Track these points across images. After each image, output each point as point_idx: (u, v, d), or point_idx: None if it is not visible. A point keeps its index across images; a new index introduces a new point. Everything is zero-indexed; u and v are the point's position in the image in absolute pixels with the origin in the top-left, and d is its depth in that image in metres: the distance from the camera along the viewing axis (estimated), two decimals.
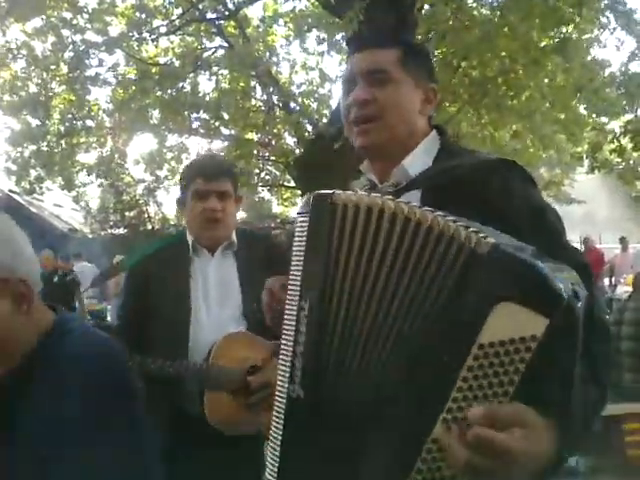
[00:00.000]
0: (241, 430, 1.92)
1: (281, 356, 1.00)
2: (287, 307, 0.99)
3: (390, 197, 0.93)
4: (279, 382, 0.98)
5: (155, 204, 14.91)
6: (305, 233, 0.96)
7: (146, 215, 14.88)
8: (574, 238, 13.08)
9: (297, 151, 7.55)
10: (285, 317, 1.00)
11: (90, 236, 15.10)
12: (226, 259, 2.11)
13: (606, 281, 11.26)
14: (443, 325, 0.85)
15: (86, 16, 7.80)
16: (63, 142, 8.79)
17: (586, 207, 13.52)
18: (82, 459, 1.05)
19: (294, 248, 0.99)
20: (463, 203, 0.99)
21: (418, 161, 1.21)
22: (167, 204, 15.03)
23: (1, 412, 1.12)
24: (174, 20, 8.08)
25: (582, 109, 7.46)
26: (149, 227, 14.53)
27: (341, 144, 5.11)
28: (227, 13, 7.89)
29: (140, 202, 14.60)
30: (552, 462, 0.84)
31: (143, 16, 7.82)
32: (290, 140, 8.25)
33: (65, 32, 7.63)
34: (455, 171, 1.13)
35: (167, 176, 12.02)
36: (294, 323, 0.97)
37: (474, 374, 0.80)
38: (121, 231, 14.74)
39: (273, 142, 7.65)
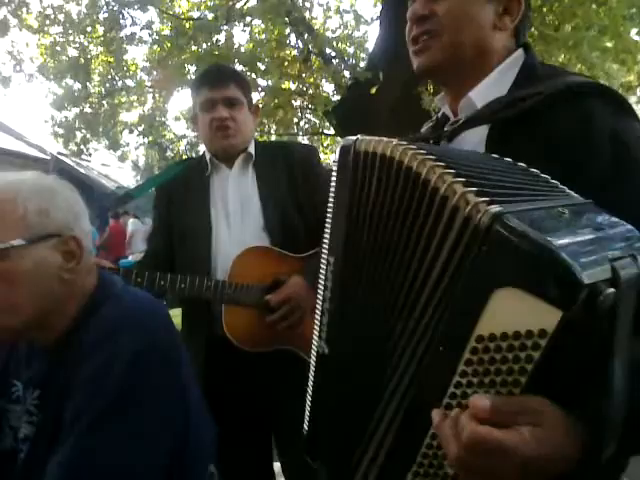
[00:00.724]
0: (265, 348, 1.88)
1: (316, 312, 0.98)
2: (321, 260, 0.97)
3: (419, 142, 0.87)
4: (314, 338, 0.99)
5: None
6: (334, 185, 0.93)
7: None
8: None
9: (335, 98, 7.45)
10: (320, 271, 0.97)
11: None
12: (245, 172, 2.03)
13: None
14: (443, 307, 0.75)
15: None
16: (105, 103, 8.92)
17: None
18: (125, 427, 1.08)
19: (330, 200, 0.95)
20: (534, 141, 0.88)
21: (490, 89, 1.03)
22: None
23: (51, 380, 1.17)
24: None
25: (634, 35, 7.06)
26: None
27: (378, 88, 5.01)
28: None
29: (184, 157, 14.78)
30: (587, 468, 0.69)
31: None
32: (328, 87, 8.15)
33: None
34: (526, 101, 0.94)
35: None
36: (323, 278, 0.96)
37: (474, 369, 0.70)
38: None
39: (310, 90, 7.55)
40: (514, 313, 0.66)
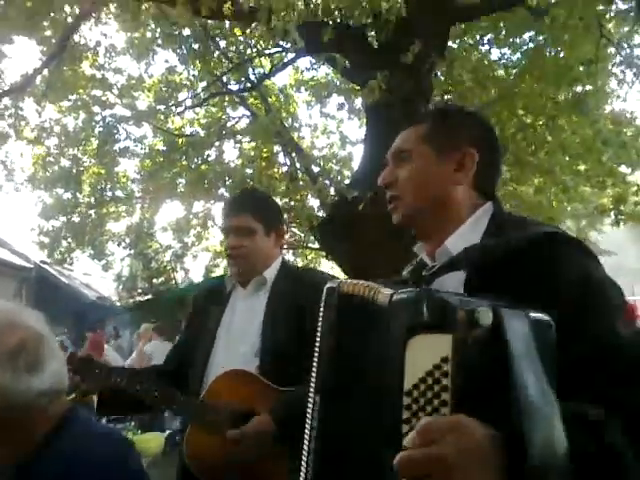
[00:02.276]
0: (215, 478, 1.81)
1: (303, 450, 1.00)
2: (309, 398, 1.01)
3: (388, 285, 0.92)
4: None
5: (182, 270, 15.07)
6: (319, 325, 1.02)
7: (173, 281, 15.01)
8: None
9: (320, 213, 7.65)
10: (307, 410, 1.01)
11: (118, 304, 15.25)
12: (257, 294, 2.05)
13: None
14: (381, 388, 0.82)
15: (116, 92, 8.19)
16: (93, 212, 9.05)
17: (616, 258, 13.26)
18: None
19: (316, 340, 1.03)
20: (510, 282, 0.94)
21: (464, 239, 1.11)
22: (194, 270, 15.19)
23: None
24: (199, 93, 8.41)
25: (605, 160, 7.46)
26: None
27: (363, 206, 5.14)
28: (250, 85, 8.19)
29: (168, 269, 14.78)
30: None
31: (169, 90, 8.21)
32: (313, 202, 8.40)
33: (96, 108, 7.99)
34: (498, 249, 1.02)
35: (194, 242, 12.21)
36: (310, 417, 0.99)
37: (410, 425, 0.75)
38: (149, 298, 14.87)
39: (296, 205, 7.75)
40: (422, 356, 0.75)
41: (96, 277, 16.79)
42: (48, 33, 6.25)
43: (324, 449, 0.95)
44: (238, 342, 1.97)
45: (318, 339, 1.03)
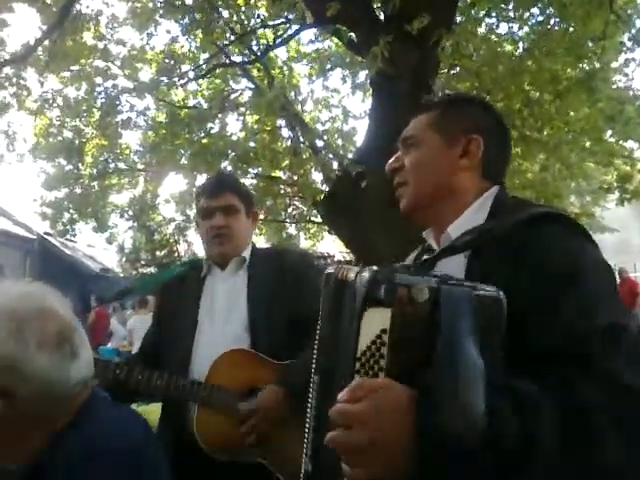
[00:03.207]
0: (232, 457, 1.82)
1: (304, 429, 1.04)
2: (311, 377, 1.06)
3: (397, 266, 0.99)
4: (304, 455, 1.03)
5: (185, 242, 15.12)
6: (320, 307, 1.07)
7: (176, 254, 15.07)
8: None
9: (323, 187, 7.62)
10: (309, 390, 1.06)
11: (122, 275, 15.33)
12: (237, 275, 2.08)
13: None
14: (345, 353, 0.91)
15: (118, 63, 8.10)
16: (96, 184, 9.02)
17: (619, 235, 13.23)
18: None
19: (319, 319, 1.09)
20: (501, 265, 0.97)
21: (465, 224, 1.12)
22: (197, 242, 15.23)
23: None
24: (201, 65, 8.31)
25: (610, 137, 7.40)
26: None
27: (367, 182, 5.12)
28: (253, 57, 8.08)
29: (171, 241, 14.83)
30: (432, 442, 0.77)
31: (172, 62, 8.11)
32: (316, 176, 8.37)
33: (98, 80, 7.91)
34: (492, 232, 1.05)
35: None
36: (311, 397, 1.04)
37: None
38: (152, 270, 14.95)
39: (300, 180, 7.73)
40: (370, 327, 0.86)
41: (99, 249, 16.85)
42: (49, 1, 6.17)
43: (321, 426, 0.97)
44: (224, 322, 1.99)
45: (319, 320, 1.08)
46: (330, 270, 1.07)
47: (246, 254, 2.10)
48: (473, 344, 0.81)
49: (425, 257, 1.14)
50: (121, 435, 1.15)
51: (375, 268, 0.91)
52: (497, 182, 1.21)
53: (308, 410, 1.03)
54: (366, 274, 0.91)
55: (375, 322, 0.85)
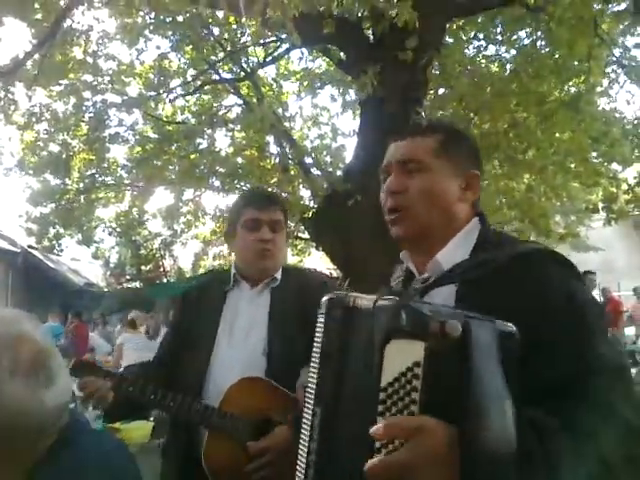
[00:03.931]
0: None
1: (298, 461, 1.01)
2: (305, 408, 1.02)
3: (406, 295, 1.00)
4: None
5: (171, 257, 15.03)
6: (320, 336, 1.04)
7: (162, 269, 14.98)
8: None
9: (311, 203, 7.64)
10: (303, 419, 1.02)
11: (106, 290, 15.19)
12: (262, 294, 2.02)
13: (631, 330, 11.07)
14: (362, 384, 0.91)
15: (107, 78, 8.09)
16: (82, 198, 8.96)
17: (604, 255, 13.39)
18: None
19: (314, 346, 1.05)
20: (499, 297, 0.98)
21: (454, 254, 1.16)
22: (183, 257, 15.14)
23: None
24: (190, 81, 8.33)
25: (595, 159, 7.50)
26: (164, 280, 14.60)
27: (355, 200, 5.14)
28: (243, 74, 8.12)
29: (157, 256, 14.73)
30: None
31: (161, 78, 8.12)
32: (305, 193, 8.38)
33: (86, 94, 7.89)
34: (489, 265, 1.07)
35: (183, 230, 12.15)
36: (309, 429, 1.00)
37: (384, 419, 0.85)
38: (137, 284, 14.83)
39: (288, 197, 7.74)
40: (398, 358, 0.86)
41: (84, 263, 16.69)
42: (39, 16, 6.15)
43: (322, 461, 0.97)
44: (243, 342, 1.93)
45: (316, 349, 1.04)
46: (332, 296, 1.05)
47: (278, 274, 2.05)
48: (501, 378, 0.84)
49: (419, 284, 1.16)
50: (105, 455, 1.15)
51: (393, 297, 0.92)
52: (476, 212, 1.25)
53: (303, 443, 1.00)
54: (386, 303, 0.91)
55: (404, 354, 0.85)
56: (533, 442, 0.85)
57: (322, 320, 1.05)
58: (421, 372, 0.83)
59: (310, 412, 1.01)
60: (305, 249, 12.89)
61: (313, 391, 1.02)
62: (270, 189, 8.51)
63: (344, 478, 0.92)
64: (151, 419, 7.12)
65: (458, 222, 1.21)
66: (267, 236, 1.98)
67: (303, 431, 1.02)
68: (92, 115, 7.81)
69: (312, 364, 1.05)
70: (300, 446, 1.01)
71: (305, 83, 8.87)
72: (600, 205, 8.00)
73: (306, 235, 9.56)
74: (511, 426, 0.81)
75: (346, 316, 1.00)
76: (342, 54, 5.87)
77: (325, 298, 1.06)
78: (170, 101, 8.50)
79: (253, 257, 2.00)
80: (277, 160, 8.00)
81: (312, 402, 1.01)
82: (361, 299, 0.99)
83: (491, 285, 1.02)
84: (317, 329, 1.06)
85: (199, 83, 8.30)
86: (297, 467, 1.01)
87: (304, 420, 1.02)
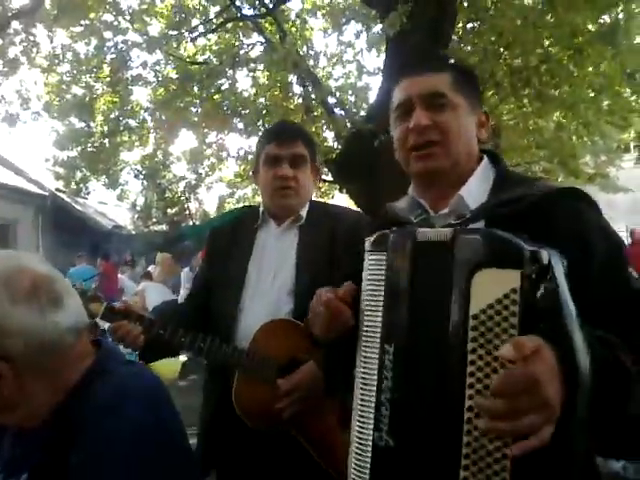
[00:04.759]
0: (267, 426, 1.82)
1: (360, 402, 1.00)
2: (364, 348, 1.01)
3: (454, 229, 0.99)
4: (359, 431, 0.99)
5: (196, 200, 15.14)
6: (383, 273, 1.01)
7: (187, 212, 15.11)
8: (620, 227, 12.71)
9: (335, 145, 7.55)
10: (362, 359, 1.01)
11: (134, 232, 15.42)
12: (290, 232, 1.99)
13: None
14: (447, 315, 0.94)
15: (127, 17, 7.95)
16: (107, 141, 8.99)
17: (632, 195, 13.11)
18: None
19: (367, 286, 1.03)
20: (533, 233, 0.98)
21: (475, 190, 1.19)
22: (208, 200, 15.24)
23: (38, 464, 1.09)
24: (212, 19, 8.15)
25: (629, 94, 7.22)
26: (190, 223, 14.76)
27: (379, 142, 5.06)
28: (265, 10, 7.90)
29: (182, 199, 14.84)
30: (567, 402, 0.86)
31: (182, 15, 7.95)
32: (328, 134, 8.27)
33: (107, 34, 7.79)
34: (521, 201, 1.09)
35: (207, 173, 12.18)
36: (375, 367, 0.98)
37: (478, 343, 0.89)
38: (163, 227, 15.03)
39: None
40: (490, 287, 0.90)
41: (111, 206, 16.91)
42: None
43: (401, 396, 0.96)
44: (271, 282, 1.93)
45: (374, 286, 1.02)
46: (388, 232, 1.04)
47: (303, 211, 2.00)
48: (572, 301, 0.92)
49: (453, 220, 1.15)
50: (141, 386, 1.18)
51: (470, 228, 1.00)
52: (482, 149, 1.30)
53: (367, 382, 0.99)
54: (469, 234, 0.96)
55: (498, 282, 0.89)
56: (606, 353, 0.93)
57: (378, 257, 1.03)
58: (518, 298, 0.87)
59: (376, 351, 0.99)
60: (329, 191, 12.84)
61: (376, 330, 1.00)
62: None
63: (432, 412, 0.93)
64: (180, 357, 7.35)
65: (474, 159, 1.24)
66: (287, 172, 1.91)
67: (363, 370, 1.00)
68: (114, 56, 7.73)
69: (368, 302, 1.03)
70: (362, 385, 1.00)
71: (330, 19, 8.61)
72: (632, 144, 7.75)
73: (330, 177, 9.53)
74: (583, 342, 0.89)
75: (418, 248, 1.00)
76: None
77: (379, 234, 1.05)
78: (192, 40, 8.35)
79: (273, 194, 1.95)
80: (300, 100, 7.88)
81: (377, 341, 0.99)
82: (424, 232, 1.01)
83: (523, 221, 1.03)
84: (370, 266, 1.03)
85: (221, 20, 8.10)
86: (360, 406, 0.99)
87: (364, 360, 1.01)
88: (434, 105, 1.19)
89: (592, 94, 6.83)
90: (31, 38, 6.81)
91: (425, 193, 1.26)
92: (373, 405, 0.97)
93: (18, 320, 1.06)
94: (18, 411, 1.11)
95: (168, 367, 6.26)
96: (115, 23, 7.77)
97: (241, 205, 12.80)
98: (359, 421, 0.99)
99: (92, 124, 8.74)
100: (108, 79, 8.12)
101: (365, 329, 1.02)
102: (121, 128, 9.03)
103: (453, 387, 0.90)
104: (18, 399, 1.09)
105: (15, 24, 6.60)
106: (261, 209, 2.05)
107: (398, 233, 1.03)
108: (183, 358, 7.31)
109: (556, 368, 0.85)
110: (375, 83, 19.51)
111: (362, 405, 0.99)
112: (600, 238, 1.07)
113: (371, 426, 0.97)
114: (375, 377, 0.98)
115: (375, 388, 0.98)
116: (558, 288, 0.90)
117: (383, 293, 1.01)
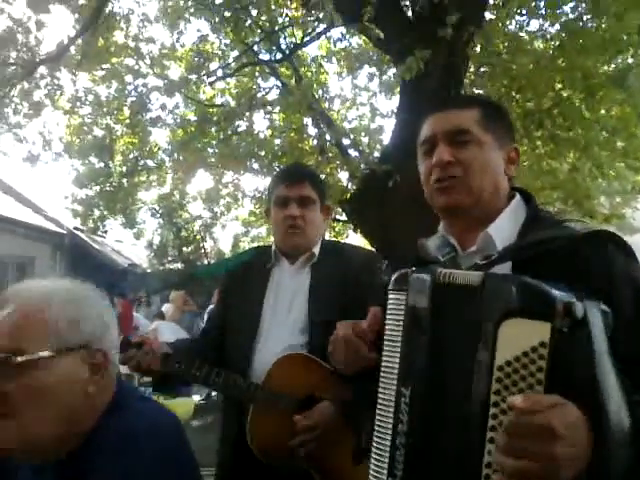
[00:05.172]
0: (281, 462, 1.80)
1: (376, 444, 0.98)
2: (381, 389, 0.99)
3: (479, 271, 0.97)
4: (374, 475, 0.97)
5: (211, 239, 15.26)
6: (403, 313, 0.99)
7: (202, 250, 15.22)
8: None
9: (349, 185, 7.62)
10: (380, 401, 0.99)
11: (149, 271, 15.52)
12: (303, 270, 2.04)
13: None
14: (469, 363, 0.91)
15: (148, 62, 8.20)
16: (125, 181, 9.16)
17: None
18: None
19: (388, 325, 1.01)
20: (562, 277, 0.95)
21: (504, 228, 1.15)
22: (223, 239, 15.35)
23: None
24: (230, 63, 8.37)
25: None
26: (205, 262, 14.85)
27: (394, 181, 5.11)
28: (281, 55, 8.12)
29: (197, 238, 14.98)
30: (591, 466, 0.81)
31: (201, 60, 8.19)
32: (343, 175, 8.36)
33: (128, 78, 8.03)
34: (550, 244, 1.06)
35: (223, 212, 12.32)
36: (391, 410, 0.96)
37: (501, 396, 0.85)
38: (178, 265, 15.12)
39: (326, 179, 7.75)
40: (518, 338, 0.85)
41: (127, 244, 17.08)
42: (83, 1, 6.27)
43: (417, 442, 0.94)
44: (285, 319, 1.96)
45: (394, 327, 1.01)
46: (410, 272, 1.01)
47: (316, 250, 2.05)
48: (612, 358, 0.87)
49: (479, 260, 1.12)
50: (155, 423, 1.18)
51: (501, 274, 0.95)
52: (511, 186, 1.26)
53: (384, 424, 0.97)
54: (498, 280, 0.91)
55: (526, 334, 0.85)
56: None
57: (398, 296, 1.01)
58: (546, 353, 0.83)
59: (392, 393, 0.97)
60: (343, 231, 12.89)
61: (393, 371, 0.98)
62: None
63: (448, 458, 0.90)
64: (194, 397, 7.31)
65: (502, 196, 1.22)
66: (294, 212, 1.98)
67: (380, 410, 0.99)
68: (134, 99, 7.95)
69: (387, 341, 1.01)
70: (378, 427, 0.98)
71: (344, 63, 8.80)
72: None
73: (344, 217, 9.57)
74: (624, 407, 0.84)
75: (440, 292, 0.97)
76: (380, 33, 5.79)
77: (400, 273, 1.03)
78: (210, 84, 8.57)
79: (282, 233, 2.02)
80: (315, 142, 8.00)
81: (394, 382, 0.97)
82: (453, 275, 0.97)
83: (552, 264, 1.00)
84: (391, 304, 1.02)
85: (238, 65, 8.33)
86: (375, 448, 0.98)
87: (381, 399, 0.99)
88: (457, 142, 1.19)
89: (606, 135, 6.86)
90: (55, 82, 7.02)
91: (451, 228, 1.26)
92: (388, 448, 0.95)
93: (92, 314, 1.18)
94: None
95: (181, 407, 6.23)
96: (136, 67, 8.03)
97: (255, 244, 12.89)
98: (374, 464, 0.97)
99: (111, 164, 8.93)
100: (128, 121, 8.33)
101: (383, 369, 1.00)
102: (139, 168, 9.22)
103: (471, 439, 0.87)
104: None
105: (41, 69, 6.83)
106: (273, 248, 2.10)
107: (419, 273, 1.00)
108: (196, 398, 7.25)
109: (583, 429, 0.80)
110: (388, 125, 19.77)
111: (377, 447, 0.97)
112: (627, 284, 1.02)
113: (385, 470, 0.95)
114: (391, 419, 0.96)
115: (391, 430, 0.95)
116: (593, 345, 0.85)
117: (401, 334, 0.98)
